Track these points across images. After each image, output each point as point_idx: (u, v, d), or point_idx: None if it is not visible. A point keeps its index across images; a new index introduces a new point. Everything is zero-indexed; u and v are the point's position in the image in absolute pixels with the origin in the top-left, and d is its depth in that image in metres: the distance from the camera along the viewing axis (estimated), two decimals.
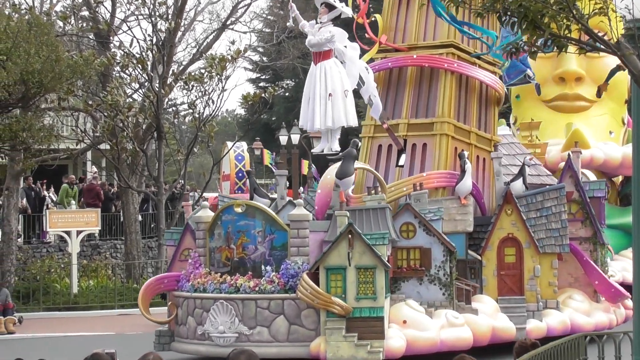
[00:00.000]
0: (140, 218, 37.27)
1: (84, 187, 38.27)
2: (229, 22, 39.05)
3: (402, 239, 22.13)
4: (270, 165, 39.98)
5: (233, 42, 35.06)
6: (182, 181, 35.50)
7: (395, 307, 21.33)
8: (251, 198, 23.78)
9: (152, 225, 38.02)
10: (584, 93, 32.78)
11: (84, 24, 37.92)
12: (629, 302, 26.52)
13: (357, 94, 23.93)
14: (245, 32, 41.41)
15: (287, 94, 61.28)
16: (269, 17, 51.31)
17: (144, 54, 34.12)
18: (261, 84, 57.72)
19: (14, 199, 33.95)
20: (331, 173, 22.12)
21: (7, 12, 31.93)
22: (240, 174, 35.06)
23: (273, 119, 50.64)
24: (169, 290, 23.16)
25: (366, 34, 24.67)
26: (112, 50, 35.39)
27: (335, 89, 22.32)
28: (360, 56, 23.52)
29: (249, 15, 39.82)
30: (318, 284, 20.46)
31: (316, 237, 21.08)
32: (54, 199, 37.57)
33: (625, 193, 32.30)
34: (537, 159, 27.46)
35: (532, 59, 11.53)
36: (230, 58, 33.98)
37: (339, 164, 22.22)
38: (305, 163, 41.09)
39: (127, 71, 34.45)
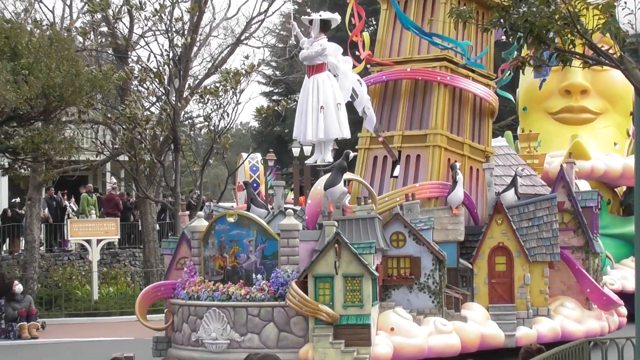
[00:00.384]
0: (157, 227, 37.28)
1: (103, 197, 38.31)
2: (243, 38, 39.09)
3: (392, 248, 22.00)
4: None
5: (247, 57, 35.03)
6: (198, 191, 35.44)
7: (384, 315, 21.16)
8: (248, 208, 23.67)
9: (170, 234, 37.97)
10: (589, 105, 32.44)
11: (103, 40, 38.12)
12: (623, 310, 26.27)
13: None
14: (258, 47, 41.40)
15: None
16: (281, 32, 51.28)
17: (161, 68, 34.06)
18: (274, 97, 57.54)
19: (36, 208, 34.10)
20: (321, 184, 21.99)
21: (29, 28, 31.98)
22: (255, 184, 34.90)
23: (286, 131, 50.41)
24: (165, 297, 23.10)
25: (357, 52, 24.54)
26: (130, 64, 35.38)
27: (328, 101, 22.19)
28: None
29: (262, 31, 39.72)
30: (307, 292, 20.30)
31: (307, 246, 20.96)
32: (75, 208, 37.65)
33: (627, 203, 31.92)
34: (534, 170, 27.19)
35: (537, 72, 11.44)
36: (244, 72, 33.87)
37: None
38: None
39: (144, 85, 34.41)
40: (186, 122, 37.01)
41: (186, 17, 35.18)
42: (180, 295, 22.13)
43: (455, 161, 23.84)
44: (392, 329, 20.92)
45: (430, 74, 24.20)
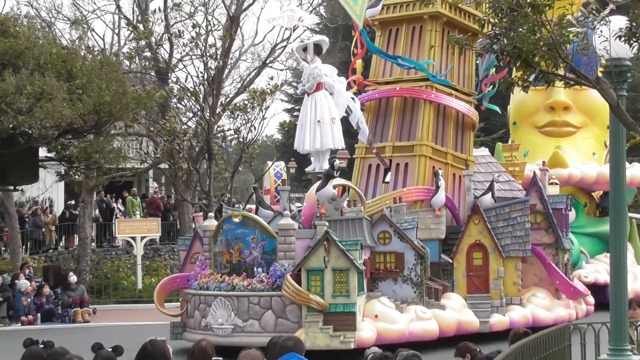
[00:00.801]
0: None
1: (147, 200, 38.37)
2: (268, 61, 38.98)
3: (379, 244, 21.93)
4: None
5: (272, 78, 35.08)
6: (229, 195, 35.44)
7: (369, 304, 21.07)
8: (257, 210, 23.59)
9: None
10: (571, 120, 32.11)
11: (147, 63, 38.19)
12: (590, 299, 25.95)
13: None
14: (282, 70, 41.02)
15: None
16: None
17: (196, 88, 34.16)
18: (295, 113, 57.44)
19: (88, 209, 34.15)
20: (314, 189, 21.87)
21: (82, 53, 32.10)
22: (278, 189, 34.82)
23: None
24: (180, 288, 23.05)
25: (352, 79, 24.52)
26: (170, 85, 35.48)
27: (324, 116, 22.14)
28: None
29: (284, 55, 39.44)
30: (301, 284, 20.18)
31: (303, 243, 20.86)
32: (122, 209, 37.70)
33: (603, 206, 31.53)
34: (515, 176, 26.91)
35: (525, 92, 11.52)
36: (269, 91, 33.89)
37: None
38: None
39: (182, 102, 34.49)
40: (218, 135, 36.97)
41: (219, 44, 35.27)
42: (192, 285, 22.10)
43: (439, 168, 23.65)
44: (376, 316, 20.82)
45: (417, 92, 24.10)
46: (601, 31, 10.74)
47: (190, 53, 35.43)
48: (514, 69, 11.04)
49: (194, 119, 35.42)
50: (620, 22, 10.45)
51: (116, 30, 40.77)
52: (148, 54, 37.71)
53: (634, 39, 10.30)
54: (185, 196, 35.02)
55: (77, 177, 33.71)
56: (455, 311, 22.19)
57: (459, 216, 24.07)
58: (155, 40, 36.27)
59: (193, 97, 34.00)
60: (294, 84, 50.68)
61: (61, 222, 36.40)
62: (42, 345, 8.76)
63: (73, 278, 29.80)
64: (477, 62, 25.15)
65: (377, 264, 21.97)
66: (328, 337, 19.88)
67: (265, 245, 21.00)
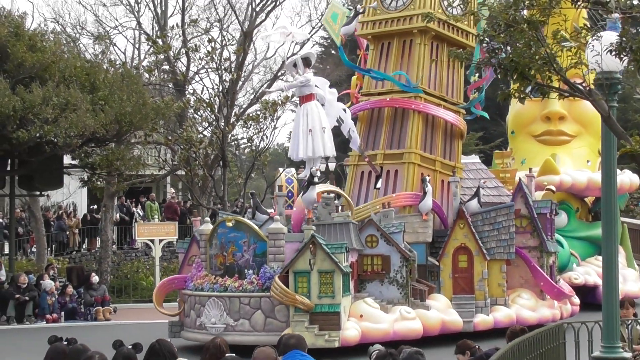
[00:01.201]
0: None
1: (164, 205, 38.34)
2: (279, 74, 38.86)
3: (367, 247, 21.74)
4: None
5: (282, 90, 34.77)
6: (242, 200, 35.30)
7: (355, 304, 20.87)
8: (254, 214, 23.47)
9: None
10: (566, 129, 31.66)
11: (165, 76, 38.22)
12: (576, 300, 25.57)
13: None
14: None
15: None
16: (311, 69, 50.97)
17: (212, 99, 34.04)
18: None
19: (110, 214, 34.20)
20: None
21: (105, 67, 32.17)
22: (290, 194, 34.62)
23: None
24: (178, 289, 22.95)
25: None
26: (187, 96, 35.41)
27: (315, 125, 21.94)
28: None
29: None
30: (288, 285, 20.02)
31: (292, 246, 20.71)
32: (141, 214, 37.68)
33: (595, 211, 31.07)
34: (506, 182, 26.60)
35: (521, 103, 11.57)
36: (280, 103, 33.76)
37: None
38: None
39: (199, 113, 34.43)
40: (232, 143, 36.90)
41: (233, 58, 35.19)
42: (189, 286, 22.02)
43: (428, 175, 23.42)
44: (361, 316, 20.60)
45: (406, 103, 23.90)
46: (593, 46, 10.82)
47: (206, 66, 35.43)
48: (512, 81, 11.02)
49: (209, 128, 35.36)
50: (611, 37, 10.49)
51: (137, 45, 41.00)
52: (166, 67, 37.80)
53: (624, 53, 10.40)
54: (201, 201, 34.93)
55: (99, 183, 33.77)
56: (440, 311, 21.95)
57: (446, 220, 23.80)
58: (173, 54, 36.27)
59: (209, 108, 33.88)
60: None
61: (84, 226, 36.49)
62: (65, 342, 8.86)
63: (95, 278, 29.82)
64: (467, 72, 24.89)
65: (365, 266, 21.79)
66: (314, 336, 19.69)
67: (257, 248, 20.89)
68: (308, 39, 28.79)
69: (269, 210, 35.12)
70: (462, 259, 22.83)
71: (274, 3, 38.67)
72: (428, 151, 24.04)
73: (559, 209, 29.38)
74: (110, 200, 34.32)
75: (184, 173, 35.29)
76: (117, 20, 44.19)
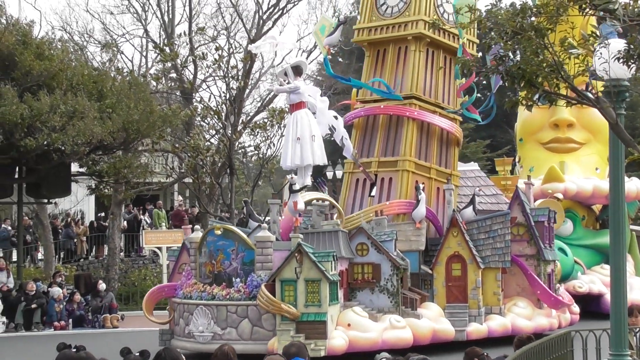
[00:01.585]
0: None
1: (172, 212, 38.35)
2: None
3: (357, 256, 21.54)
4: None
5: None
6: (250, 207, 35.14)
7: (343, 313, 20.66)
8: (247, 222, 23.37)
9: None
10: (575, 137, 31.34)
11: (172, 84, 38.25)
12: (575, 308, 25.23)
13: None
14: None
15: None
16: (318, 77, 50.75)
17: (219, 107, 34.06)
18: None
19: (117, 221, 34.24)
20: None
21: (112, 75, 32.25)
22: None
23: None
24: (168, 297, 22.87)
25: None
26: (194, 104, 35.45)
27: (304, 133, 21.78)
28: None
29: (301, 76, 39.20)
30: (275, 294, 19.88)
31: (281, 254, 20.52)
32: (149, 221, 37.69)
33: (602, 218, 30.69)
34: (507, 189, 26.34)
35: (529, 110, 11.49)
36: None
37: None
38: None
39: (206, 121, 34.48)
40: (239, 151, 36.81)
41: (240, 66, 35.14)
42: (178, 294, 21.93)
43: (422, 183, 23.20)
44: (349, 325, 20.38)
45: (400, 110, 23.70)
46: (601, 53, 10.69)
47: (214, 74, 35.39)
48: (519, 89, 10.95)
49: (216, 136, 35.36)
50: (618, 44, 10.39)
51: (144, 53, 41.09)
52: (174, 75, 37.84)
53: (632, 61, 10.32)
54: (208, 209, 34.90)
55: (106, 190, 33.86)
56: (432, 320, 21.67)
57: (441, 228, 23.55)
58: (181, 62, 36.31)
59: (216, 116, 33.91)
60: None
61: (92, 233, 36.56)
62: (74, 350, 8.95)
63: (102, 286, 29.86)
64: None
65: (355, 274, 21.60)
66: None
67: (245, 256, 20.76)
68: (300, 47, 28.86)
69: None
70: (455, 267, 22.56)
71: (281, 11, 38.61)
72: (423, 158, 23.81)
73: (566, 217, 29.14)
74: (117, 208, 34.36)
75: (191, 181, 35.30)
76: (124, 28, 44.61)
